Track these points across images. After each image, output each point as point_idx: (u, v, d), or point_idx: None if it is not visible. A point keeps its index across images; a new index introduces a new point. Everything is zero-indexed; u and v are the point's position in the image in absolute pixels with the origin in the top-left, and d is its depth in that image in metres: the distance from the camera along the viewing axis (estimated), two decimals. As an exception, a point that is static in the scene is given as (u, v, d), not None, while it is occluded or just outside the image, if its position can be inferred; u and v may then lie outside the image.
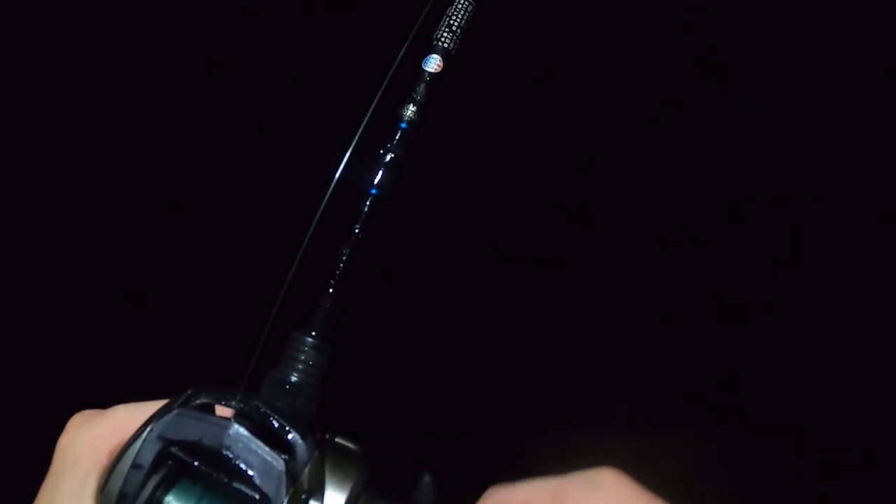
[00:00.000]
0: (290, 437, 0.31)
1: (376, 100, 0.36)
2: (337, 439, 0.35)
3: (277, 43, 1.05)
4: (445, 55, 0.37)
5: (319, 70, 1.00)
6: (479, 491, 0.34)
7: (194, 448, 0.31)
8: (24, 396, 0.89)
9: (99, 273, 1.01)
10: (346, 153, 0.35)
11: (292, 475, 0.30)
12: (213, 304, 0.97)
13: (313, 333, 0.35)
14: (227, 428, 0.31)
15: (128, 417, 0.34)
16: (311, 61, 1.02)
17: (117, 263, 1.02)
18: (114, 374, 0.83)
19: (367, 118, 0.36)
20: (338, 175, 0.35)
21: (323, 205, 0.35)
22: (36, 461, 0.35)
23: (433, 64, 0.37)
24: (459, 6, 0.37)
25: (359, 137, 0.36)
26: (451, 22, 0.37)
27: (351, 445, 0.35)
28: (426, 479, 0.34)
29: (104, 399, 0.37)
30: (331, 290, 0.35)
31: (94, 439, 0.34)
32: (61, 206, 1.04)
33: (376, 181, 0.36)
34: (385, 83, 0.36)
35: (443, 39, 0.37)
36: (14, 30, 1.05)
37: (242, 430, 0.31)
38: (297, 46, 1.03)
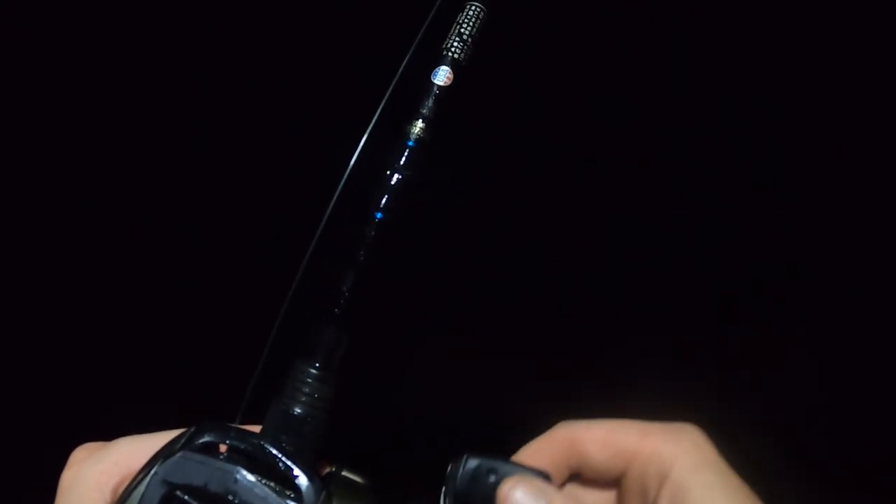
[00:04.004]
0: (296, 479, 0.30)
1: (378, 112, 0.34)
2: (344, 473, 0.34)
3: (279, 44, 1.01)
4: (456, 67, 0.35)
5: (323, 74, 0.97)
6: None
7: (200, 493, 0.30)
8: (26, 429, 0.90)
9: (91, 282, 1.00)
10: (346, 174, 0.34)
11: (299, 520, 0.30)
12: (210, 314, 0.97)
13: (317, 364, 0.34)
14: (233, 472, 0.30)
15: (131, 451, 0.34)
16: (314, 64, 0.99)
17: (113, 273, 1.01)
18: (115, 403, 0.83)
19: (367, 134, 0.34)
20: (336, 196, 0.33)
21: (322, 226, 0.33)
22: (39, 495, 0.34)
23: (443, 76, 0.34)
24: (470, 14, 0.34)
25: (359, 155, 0.34)
26: (462, 31, 0.34)
27: (358, 479, 0.34)
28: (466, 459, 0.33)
29: (107, 428, 0.36)
30: (335, 319, 0.34)
31: (99, 475, 0.33)
32: (57, 212, 1.03)
33: (382, 204, 0.34)
34: (387, 95, 0.34)
35: (453, 50, 0.34)
36: (13, 29, 1.02)
37: (249, 476, 0.30)
38: (299, 48, 1.00)
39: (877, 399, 1.01)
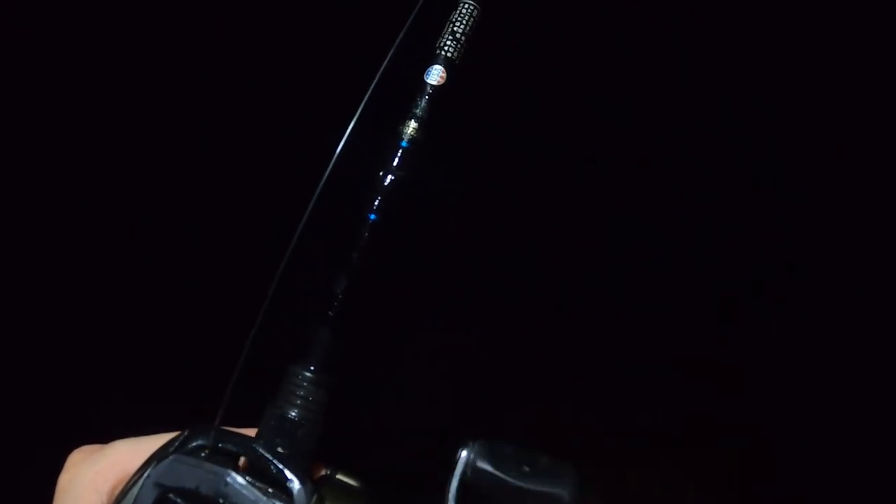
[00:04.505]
0: (288, 482, 0.30)
1: (360, 108, 0.34)
2: (338, 476, 0.34)
3: (277, 45, 1.01)
4: (449, 66, 0.34)
5: (321, 74, 0.97)
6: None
7: (192, 495, 0.30)
8: (24, 431, 0.90)
9: (91, 282, 1.00)
10: (326, 170, 0.33)
11: (291, 523, 0.30)
12: (208, 313, 0.97)
13: (311, 367, 0.33)
14: (225, 475, 0.30)
15: (128, 453, 0.34)
16: (311, 64, 0.99)
17: (113, 273, 1.01)
18: (113, 405, 0.83)
19: (349, 129, 0.33)
20: (318, 191, 0.33)
21: (300, 227, 0.33)
22: (38, 497, 0.34)
23: (436, 76, 0.34)
24: (463, 12, 0.34)
25: (340, 152, 0.33)
26: (455, 30, 0.34)
27: (352, 482, 0.34)
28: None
29: (104, 430, 0.36)
30: (329, 321, 0.34)
31: (95, 476, 0.33)
32: (57, 212, 1.03)
33: (375, 205, 0.34)
34: (370, 92, 0.33)
35: (446, 49, 0.34)
36: (13, 29, 1.02)
37: (239, 478, 0.30)
38: (296, 49, 1.00)
39: (876, 399, 1.01)
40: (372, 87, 0.33)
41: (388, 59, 0.34)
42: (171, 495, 0.30)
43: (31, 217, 1.04)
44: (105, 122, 1.07)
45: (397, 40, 0.34)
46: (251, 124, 1.07)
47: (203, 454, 0.31)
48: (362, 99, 0.34)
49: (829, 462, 1.00)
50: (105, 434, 0.35)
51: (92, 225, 1.06)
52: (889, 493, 0.98)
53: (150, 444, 0.33)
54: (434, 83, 0.34)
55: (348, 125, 0.34)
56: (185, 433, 0.32)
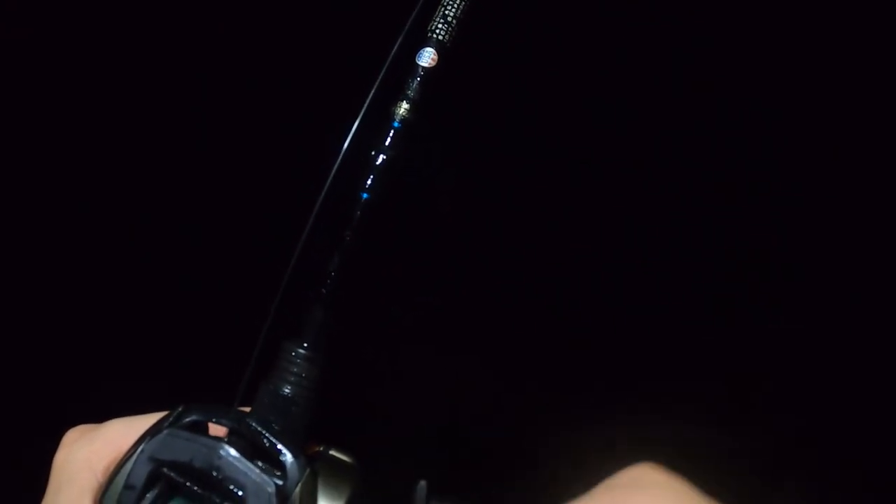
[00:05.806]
0: (281, 457, 0.31)
1: (369, 98, 0.34)
2: (331, 452, 0.34)
3: (268, 36, 1.02)
4: (440, 48, 0.35)
5: (312, 65, 0.98)
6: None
7: (185, 469, 0.30)
8: (21, 411, 0.90)
9: (92, 280, 1.00)
10: (338, 155, 0.34)
11: (283, 495, 0.30)
12: (208, 311, 0.97)
13: (305, 344, 0.34)
14: (218, 448, 0.30)
15: (122, 432, 0.34)
16: (303, 55, 1.00)
17: (113, 272, 1.02)
18: (109, 386, 0.83)
19: (360, 117, 0.34)
20: (332, 177, 0.34)
21: (316, 210, 0.34)
22: (33, 475, 0.34)
23: (427, 58, 0.35)
24: (455, -5, 0.35)
25: (352, 138, 0.34)
26: (447, 13, 0.35)
27: (345, 458, 0.34)
28: (420, 486, 0.33)
29: (100, 411, 0.36)
30: (322, 299, 0.34)
31: (90, 455, 0.34)
32: (54, 209, 1.03)
33: (367, 184, 0.34)
34: (379, 80, 0.34)
35: (437, 31, 0.35)
36: (13, 29, 1.03)
37: (233, 451, 0.30)
38: (289, 39, 1.00)
39: (875, 400, 1.00)
40: (378, 80, 0.34)
41: (394, 50, 0.34)
42: (164, 469, 0.30)
43: (32, 216, 1.05)
44: (105, 122, 1.08)
45: (404, 31, 0.34)
46: (251, 124, 1.08)
47: (198, 430, 0.31)
48: (360, 98, 0.34)
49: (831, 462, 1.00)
50: (101, 415, 0.36)
51: (92, 224, 1.06)
52: (889, 490, 0.97)
53: (144, 423, 0.34)
54: (425, 65, 0.35)
55: (347, 122, 0.34)
56: (180, 409, 0.32)
